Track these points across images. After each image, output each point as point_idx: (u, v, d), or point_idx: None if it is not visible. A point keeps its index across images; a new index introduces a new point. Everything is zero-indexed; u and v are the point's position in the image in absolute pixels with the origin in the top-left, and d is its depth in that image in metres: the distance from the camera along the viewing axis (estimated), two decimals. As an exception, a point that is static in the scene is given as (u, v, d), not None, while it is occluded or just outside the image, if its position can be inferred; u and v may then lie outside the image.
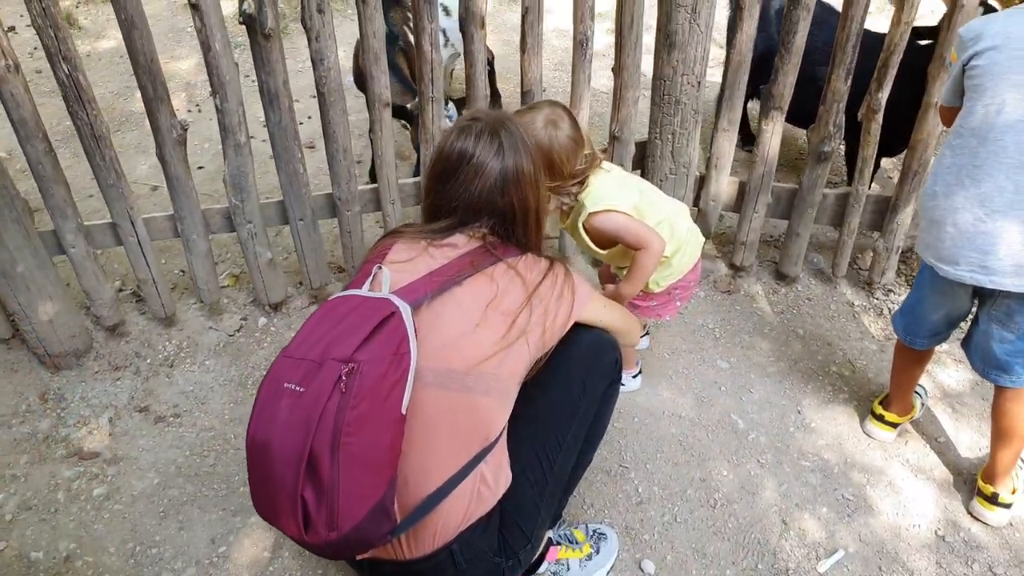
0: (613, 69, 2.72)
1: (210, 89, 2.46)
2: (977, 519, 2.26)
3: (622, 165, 2.92)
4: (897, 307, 2.39)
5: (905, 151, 2.75)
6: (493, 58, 4.11)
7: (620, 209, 2.08)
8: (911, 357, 2.37)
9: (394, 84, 3.05)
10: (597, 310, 1.84)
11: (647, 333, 2.84)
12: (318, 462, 1.35)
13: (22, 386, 2.71)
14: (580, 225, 2.11)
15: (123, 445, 2.52)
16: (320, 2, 2.35)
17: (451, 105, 2.97)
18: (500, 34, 5.01)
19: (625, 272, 2.20)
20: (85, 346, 2.80)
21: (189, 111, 4.48)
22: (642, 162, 2.95)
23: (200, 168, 3.89)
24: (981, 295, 2.04)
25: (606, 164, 2.13)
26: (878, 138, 2.74)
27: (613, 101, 2.78)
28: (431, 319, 1.54)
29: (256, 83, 2.49)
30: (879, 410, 2.51)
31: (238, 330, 2.95)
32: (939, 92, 2.56)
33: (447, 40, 3.42)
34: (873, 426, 2.53)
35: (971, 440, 2.52)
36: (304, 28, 2.41)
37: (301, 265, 2.92)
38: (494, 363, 1.54)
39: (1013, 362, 2.04)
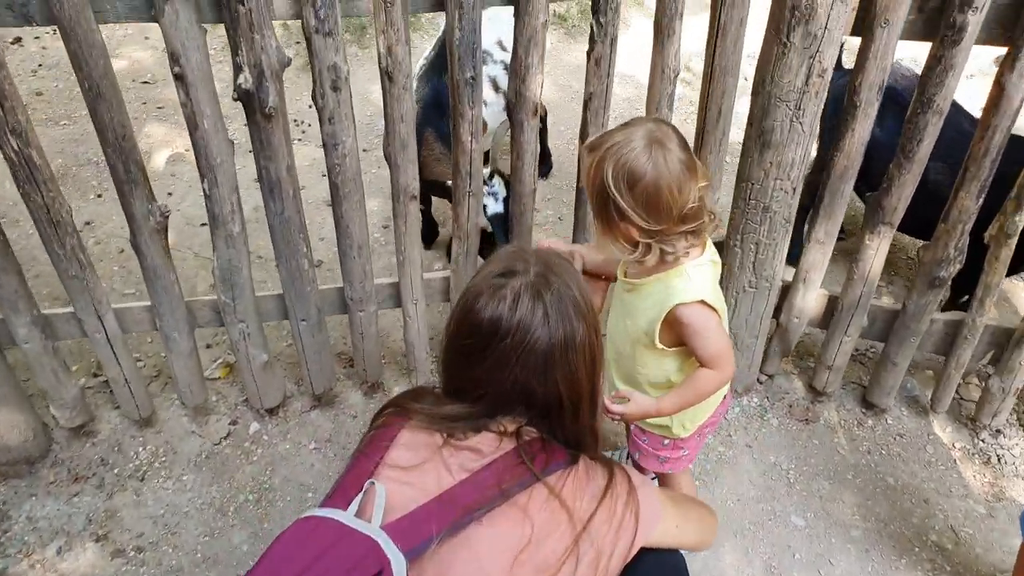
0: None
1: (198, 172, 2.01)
2: None
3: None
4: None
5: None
6: (545, 114, 3.58)
7: (719, 311, 1.61)
8: None
9: (443, 158, 2.59)
10: (667, 532, 1.37)
11: None
12: None
13: (-40, 501, 2.30)
14: (668, 307, 1.58)
15: (70, 592, 2.09)
16: (336, 78, 1.89)
17: (497, 181, 2.49)
18: (555, 76, 4.49)
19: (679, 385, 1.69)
20: (40, 451, 2.38)
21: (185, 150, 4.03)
22: (714, 269, 2.46)
23: (203, 225, 3.45)
24: None
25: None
26: (1008, 265, 2.24)
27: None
28: (435, 574, 1.11)
29: (252, 151, 2.03)
30: None
31: (225, 436, 2.51)
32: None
33: (498, 89, 2.91)
34: None
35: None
36: (316, 107, 1.95)
37: (302, 368, 2.47)
38: None
39: None
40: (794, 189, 2.17)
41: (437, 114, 2.69)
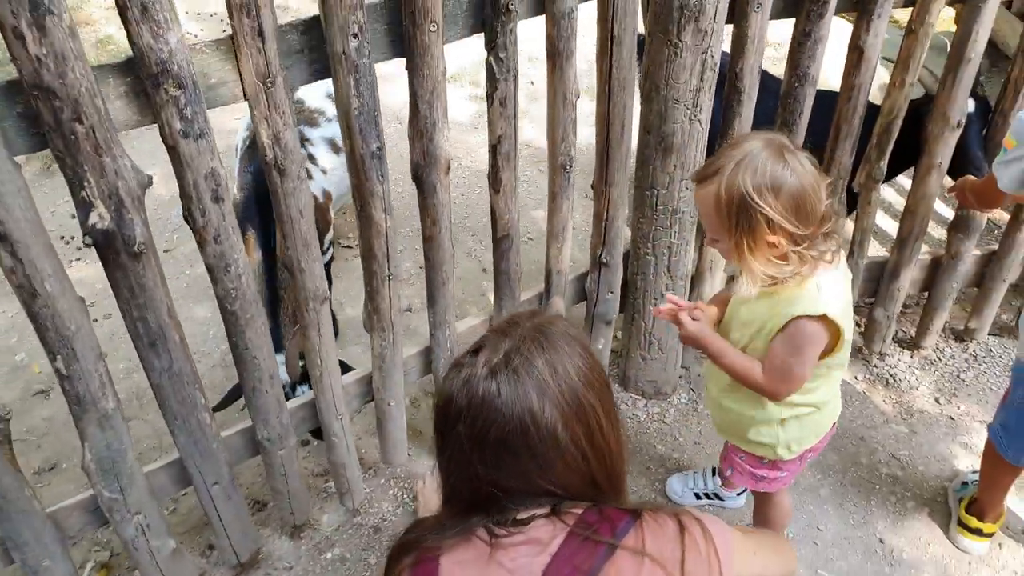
0: (594, 187, 2.12)
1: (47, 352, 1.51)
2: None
3: (611, 295, 2.33)
4: (992, 421, 2.06)
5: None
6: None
7: (843, 328, 1.51)
8: (1013, 470, 2.06)
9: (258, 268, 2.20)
10: (747, 561, 1.22)
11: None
12: None
13: None
14: (789, 317, 1.50)
15: None
16: (217, 187, 1.50)
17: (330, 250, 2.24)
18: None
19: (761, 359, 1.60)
20: None
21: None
22: (623, 286, 2.38)
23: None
24: None
25: None
26: (877, 208, 2.41)
27: (596, 224, 2.18)
28: None
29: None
30: (974, 523, 2.17)
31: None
32: (943, 154, 2.27)
33: (338, 150, 2.54)
34: (967, 539, 2.20)
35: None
36: (192, 227, 1.54)
37: (218, 537, 2.00)
38: None
39: None
40: (697, 185, 2.15)
41: (259, 210, 2.22)
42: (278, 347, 2.14)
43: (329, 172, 2.40)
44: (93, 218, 1.40)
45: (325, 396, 1.96)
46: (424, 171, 1.76)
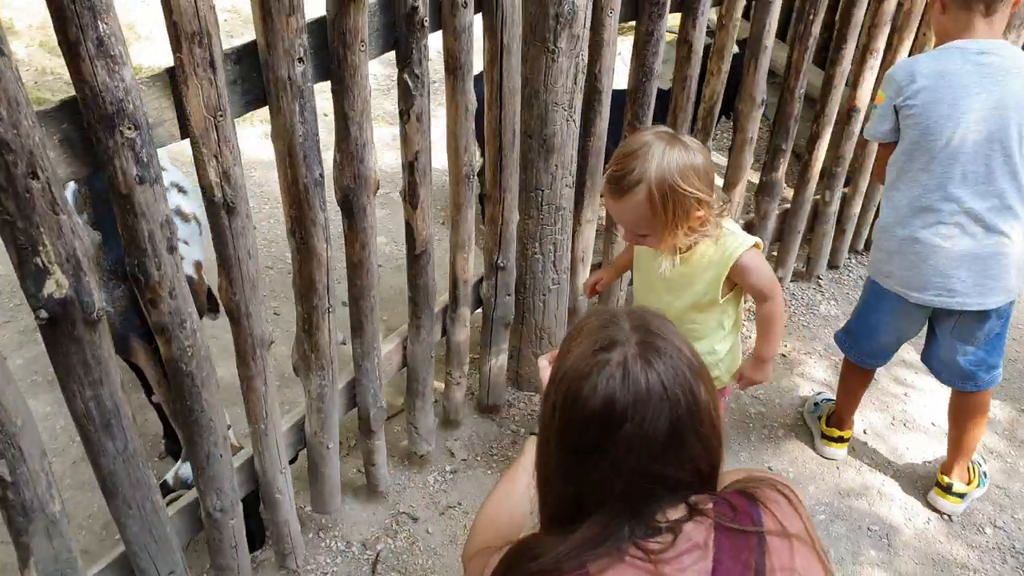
0: (485, 196, 2.20)
1: (-9, 457, 1.27)
2: (935, 508, 2.41)
3: (508, 297, 2.41)
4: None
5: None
6: None
7: (759, 243, 1.80)
8: (863, 375, 2.46)
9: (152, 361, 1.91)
10: None
11: None
12: None
13: None
14: (731, 262, 1.73)
15: None
16: (171, 236, 1.37)
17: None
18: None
19: (759, 334, 1.89)
20: None
21: None
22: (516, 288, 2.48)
23: None
24: (937, 314, 2.17)
25: None
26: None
27: (492, 231, 2.25)
28: None
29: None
30: (835, 432, 2.56)
31: None
32: (752, 129, 2.66)
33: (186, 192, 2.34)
34: (830, 448, 2.58)
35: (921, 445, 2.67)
36: (141, 287, 1.39)
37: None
38: None
39: (976, 371, 2.20)
40: (574, 182, 2.31)
41: (138, 309, 1.72)
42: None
43: (191, 241, 2.19)
44: (49, 287, 1.22)
45: (269, 451, 1.83)
46: (354, 194, 1.73)
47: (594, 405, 0.96)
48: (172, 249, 1.39)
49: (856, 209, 3.16)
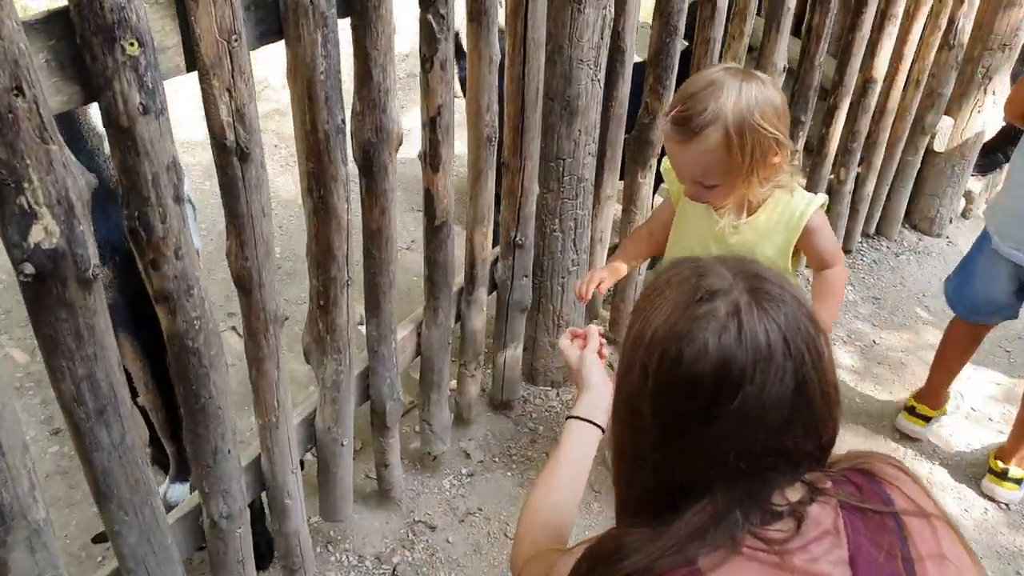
0: (503, 164, 2.01)
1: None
2: (990, 497, 2.27)
3: (526, 279, 2.22)
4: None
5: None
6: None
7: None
8: (970, 334, 2.26)
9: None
10: None
11: None
12: None
13: None
14: (803, 222, 1.55)
15: None
16: (178, 182, 1.15)
17: None
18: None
19: (817, 299, 1.66)
20: None
21: None
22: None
23: None
24: None
25: None
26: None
27: (509, 204, 2.06)
28: None
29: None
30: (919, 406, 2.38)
31: None
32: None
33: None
34: (908, 421, 2.41)
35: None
36: (142, 244, 1.17)
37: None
38: None
39: None
40: (596, 150, 2.14)
41: (127, 301, 1.63)
42: (184, 475, 1.72)
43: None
44: (36, 234, 0.99)
45: (280, 448, 1.60)
46: (375, 149, 1.52)
47: (703, 368, 0.79)
48: (179, 199, 1.17)
49: (870, 188, 3.04)
